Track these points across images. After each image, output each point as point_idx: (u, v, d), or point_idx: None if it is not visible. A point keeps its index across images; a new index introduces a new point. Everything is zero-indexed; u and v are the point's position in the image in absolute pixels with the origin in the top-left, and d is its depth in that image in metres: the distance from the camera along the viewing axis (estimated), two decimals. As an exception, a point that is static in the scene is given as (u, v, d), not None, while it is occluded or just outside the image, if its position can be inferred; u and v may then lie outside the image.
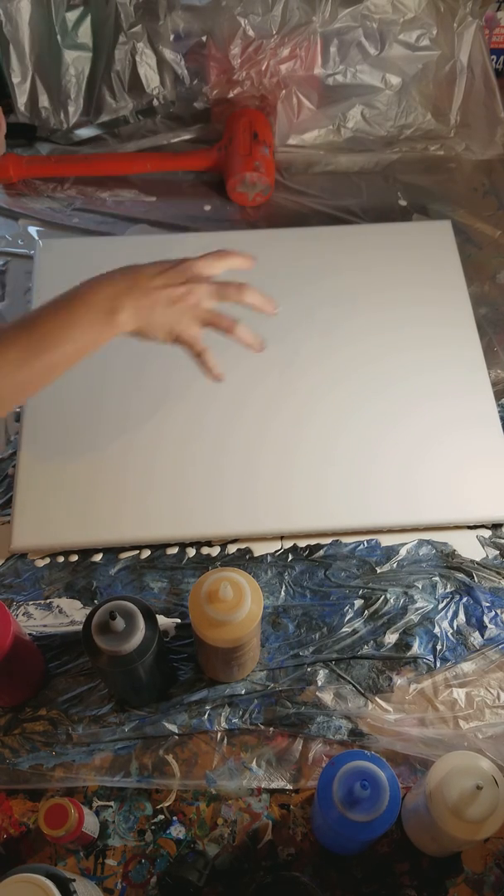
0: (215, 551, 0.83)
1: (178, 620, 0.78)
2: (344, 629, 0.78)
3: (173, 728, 0.73)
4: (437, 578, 0.81)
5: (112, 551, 0.82)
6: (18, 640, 0.66)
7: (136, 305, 0.68)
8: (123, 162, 1.10)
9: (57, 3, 1.02)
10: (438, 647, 0.77)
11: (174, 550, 0.82)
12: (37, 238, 1.05)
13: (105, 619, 0.62)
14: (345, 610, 0.79)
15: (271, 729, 0.73)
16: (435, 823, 0.60)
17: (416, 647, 0.77)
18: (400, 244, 1.01)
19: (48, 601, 0.80)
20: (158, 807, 0.70)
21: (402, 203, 1.09)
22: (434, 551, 0.82)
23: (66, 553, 0.82)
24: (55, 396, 0.89)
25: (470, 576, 0.81)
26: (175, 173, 1.11)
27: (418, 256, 1.00)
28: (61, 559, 0.82)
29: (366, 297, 0.97)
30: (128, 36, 1.04)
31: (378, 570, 0.81)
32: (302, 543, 0.83)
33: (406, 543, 0.83)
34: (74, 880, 0.57)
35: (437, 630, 0.78)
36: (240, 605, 0.63)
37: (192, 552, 0.82)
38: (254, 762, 0.72)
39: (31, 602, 0.80)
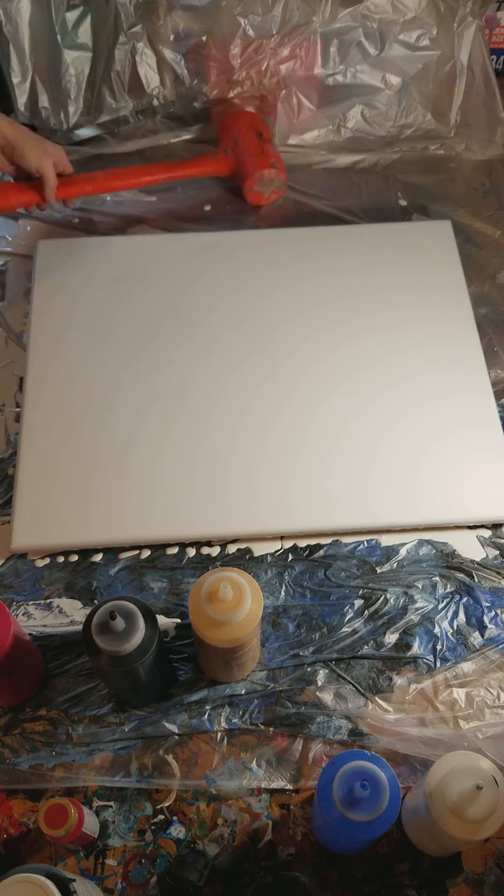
0: (215, 551, 0.83)
1: (178, 620, 0.78)
2: (344, 629, 0.78)
3: (173, 728, 0.73)
4: (437, 578, 0.81)
5: (112, 551, 0.82)
6: (18, 640, 0.67)
7: None
8: (134, 174, 1.03)
9: (57, 3, 1.02)
10: (438, 647, 0.77)
11: (174, 550, 0.82)
12: (37, 238, 1.04)
13: (105, 619, 0.62)
14: (345, 610, 0.79)
15: (271, 729, 0.73)
16: (435, 823, 0.60)
17: (416, 647, 0.77)
18: (400, 244, 1.01)
19: (48, 601, 0.80)
20: (158, 807, 0.70)
21: (402, 203, 1.09)
22: (434, 551, 0.82)
23: (66, 553, 0.82)
24: (56, 397, 0.89)
25: (470, 576, 0.81)
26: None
27: (418, 256, 1.00)
28: (61, 559, 0.82)
29: (366, 297, 0.97)
30: (128, 36, 1.04)
31: (378, 570, 0.81)
32: (302, 543, 0.83)
33: (406, 543, 0.83)
34: (74, 880, 0.57)
35: (437, 630, 0.78)
36: (240, 605, 0.63)
37: (192, 552, 0.82)
38: (254, 762, 0.72)
39: (31, 602, 0.80)
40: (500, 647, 0.78)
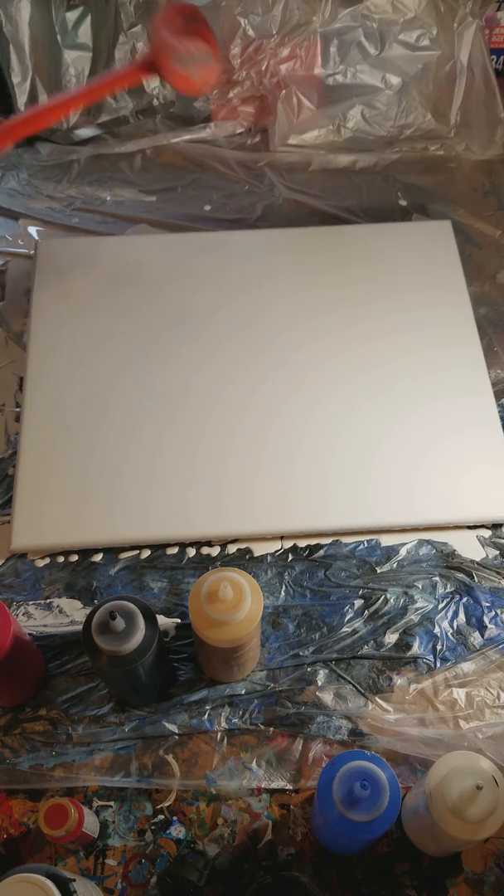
0: (215, 551, 0.83)
1: (178, 620, 0.78)
2: (344, 629, 0.78)
3: (173, 728, 0.73)
4: (437, 578, 0.81)
5: (112, 551, 0.82)
6: (18, 640, 0.67)
7: None
8: (51, 109, 0.86)
9: (57, 3, 1.02)
10: (438, 647, 0.77)
11: (174, 550, 0.82)
12: (37, 238, 1.05)
13: (105, 619, 0.62)
14: (345, 610, 0.79)
15: (271, 729, 0.73)
16: (435, 823, 0.60)
17: (416, 647, 0.77)
18: (400, 244, 1.01)
19: (48, 601, 0.80)
20: (158, 807, 0.70)
21: (402, 203, 1.09)
22: (434, 551, 0.82)
23: (66, 553, 0.82)
24: (56, 397, 0.89)
25: (470, 576, 0.81)
26: (176, 173, 1.11)
27: (418, 256, 1.00)
28: (61, 559, 0.82)
29: (366, 298, 0.96)
30: (128, 36, 1.04)
31: (378, 570, 0.81)
32: (302, 543, 0.83)
33: (406, 543, 0.83)
34: (74, 880, 0.57)
35: (437, 630, 0.78)
36: (240, 605, 0.63)
37: (192, 552, 0.82)
38: (254, 762, 0.72)
39: (31, 602, 0.80)
40: (500, 647, 0.78)
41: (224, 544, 0.83)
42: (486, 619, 0.79)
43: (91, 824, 0.67)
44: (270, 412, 0.88)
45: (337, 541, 0.83)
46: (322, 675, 0.76)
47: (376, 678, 0.76)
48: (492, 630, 0.78)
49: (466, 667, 0.77)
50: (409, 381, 0.90)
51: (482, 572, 0.81)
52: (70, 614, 0.79)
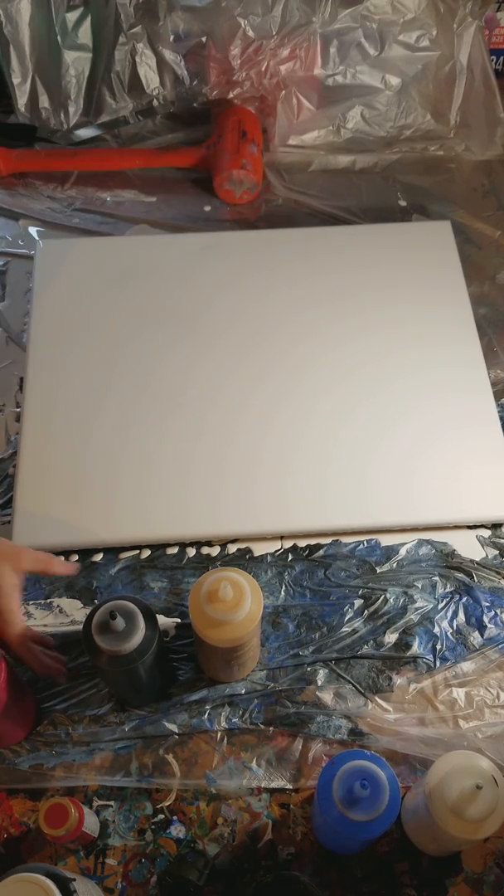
0: (215, 551, 0.83)
1: (178, 620, 0.79)
2: (344, 629, 0.78)
3: (173, 728, 0.73)
4: (436, 578, 0.81)
5: (112, 551, 0.82)
6: (12, 679, 0.65)
7: None
8: (112, 157, 1.11)
9: (57, 3, 1.02)
10: (438, 647, 0.77)
11: (174, 550, 0.83)
12: (37, 238, 1.05)
13: (105, 619, 0.62)
14: (345, 610, 0.79)
15: (271, 728, 0.73)
16: (435, 823, 0.60)
17: (416, 647, 0.77)
18: (400, 244, 1.01)
19: (48, 601, 0.80)
20: (158, 806, 0.71)
21: (402, 203, 1.09)
22: (434, 551, 0.82)
23: (67, 553, 0.82)
24: (56, 397, 0.89)
25: (470, 575, 0.81)
26: (175, 173, 1.11)
27: (418, 256, 1.00)
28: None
29: (365, 298, 0.97)
30: (128, 36, 1.04)
31: (378, 570, 0.81)
32: (302, 543, 0.83)
33: (406, 543, 0.83)
34: (74, 880, 0.57)
35: (436, 630, 0.78)
36: (240, 605, 0.63)
37: (192, 552, 0.82)
38: (254, 762, 0.72)
39: (31, 602, 0.80)
40: (500, 646, 0.78)
41: (224, 544, 0.83)
42: (485, 619, 0.79)
43: (91, 824, 0.67)
44: (269, 412, 0.88)
45: (337, 541, 0.83)
46: (322, 674, 0.76)
47: (376, 678, 0.76)
48: (491, 630, 0.78)
49: (466, 666, 0.77)
50: (408, 381, 0.90)
51: (482, 572, 0.81)
52: (70, 614, 0.79)
